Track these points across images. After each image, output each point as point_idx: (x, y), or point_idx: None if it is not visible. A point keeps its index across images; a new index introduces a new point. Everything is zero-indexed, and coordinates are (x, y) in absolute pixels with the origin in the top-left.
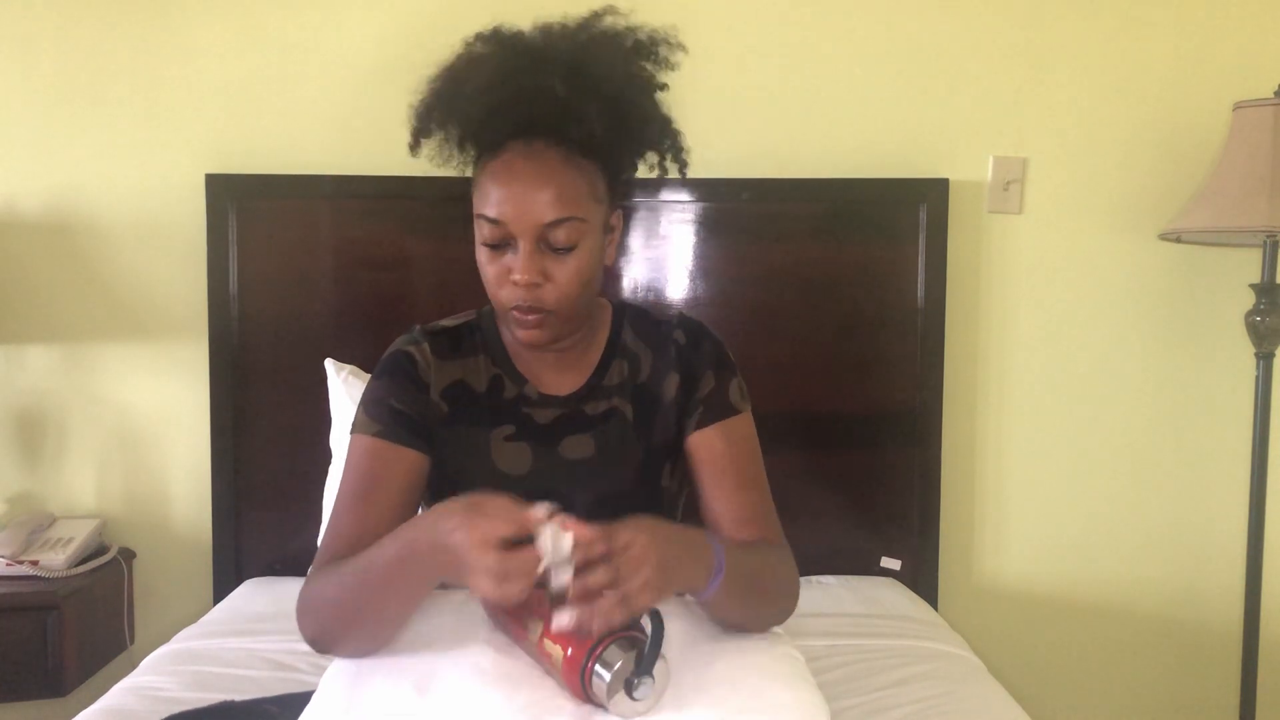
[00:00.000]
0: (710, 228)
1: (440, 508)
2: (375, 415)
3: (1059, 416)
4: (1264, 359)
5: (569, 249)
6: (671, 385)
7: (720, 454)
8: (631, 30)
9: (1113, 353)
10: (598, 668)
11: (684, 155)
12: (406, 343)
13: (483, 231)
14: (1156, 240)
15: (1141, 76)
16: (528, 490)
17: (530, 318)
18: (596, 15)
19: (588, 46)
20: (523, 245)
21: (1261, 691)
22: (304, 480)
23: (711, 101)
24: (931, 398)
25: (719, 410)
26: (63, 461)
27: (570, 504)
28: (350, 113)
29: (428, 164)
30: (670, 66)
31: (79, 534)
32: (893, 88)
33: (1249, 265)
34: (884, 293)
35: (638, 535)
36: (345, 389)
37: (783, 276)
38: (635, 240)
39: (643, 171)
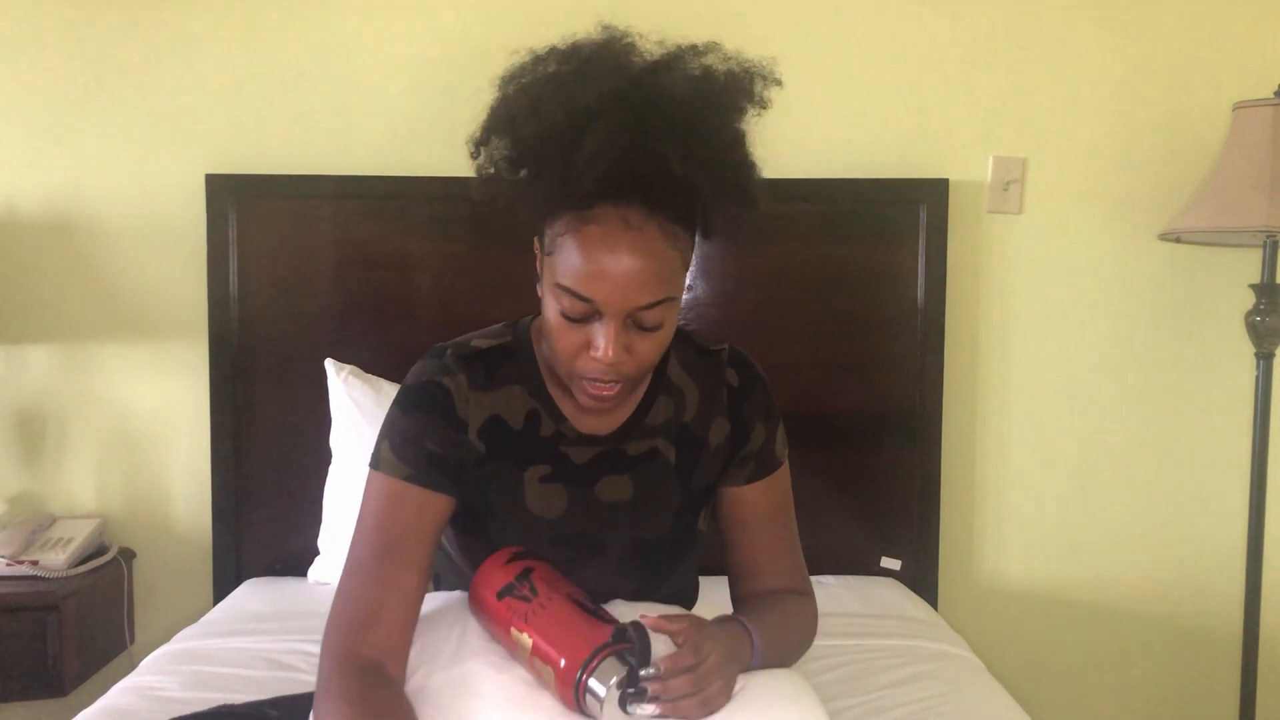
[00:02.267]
0: None
1: None
2: (405, 456)
3: (1059, 416)
4: (1264, 359)
5: (656, 328)
6: (719, 431)
7: (764, 509)
8: (736, 74)
9: (1113, 353)
10: (592, 682)
11: (755, 206)
12: (439, 372)
13: (563, 302)
14: (1156, 240)
15: (1141, 76)
16: (559, 533)
17: (605, 392)
18: (696, 51)
19: (698, 104)
20: (610, 324)
21: (1261, 692)
22: (304, 480)
23: None
24: (931, 398)
25: (767, 465)
26: (63, 461)
27: (603, 548)
28: (350, 113)
29: (428, 163)
30: (766, 105)
31: (79, 534)
32: (893, 88)
33: (1249, 265)
34: (884, 293)
35: (715, 646)
36: (345, 389)
37: (783, 276)
38: None
39: None
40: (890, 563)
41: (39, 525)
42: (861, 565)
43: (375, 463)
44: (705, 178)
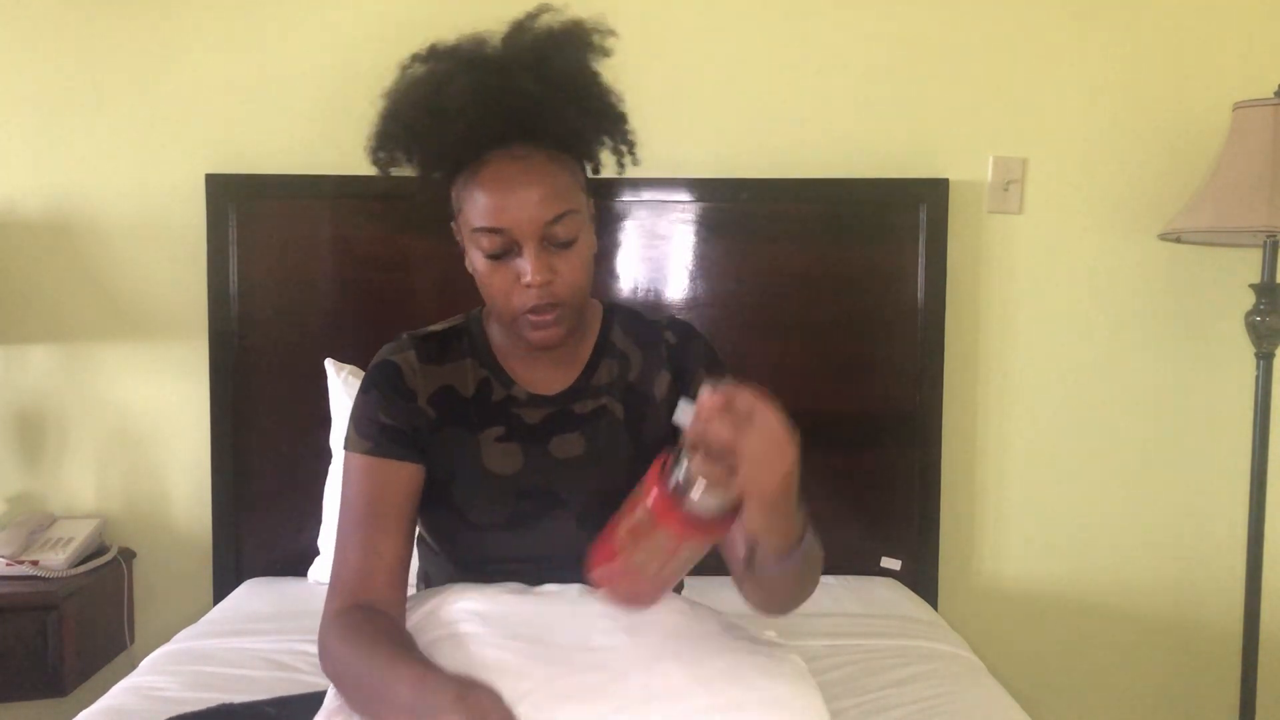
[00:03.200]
0: (710, 228)
1: (437, 689)
2: (365, 432)
3: (1059, 416)
4: (1264, 359)
5: (571, 242)
6: (663, 384)
7: None
8: (574, 23)
9: (1113, 353)
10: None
11: (635, 146)
12: (392, 351)
13: (482, 244)
14: (1156, 240)
15: (1141, 76)
16: (519, 488)
17: (547, 317)
18: (531, 16)
19: (546, 45)
20: (528, 248)
21: (1261, 691)
22: (304, 480)
23: (711, 101)
24: (931, 398)
25: None
26: (63, 461)
27: (562, 501)
28: (350, 113)
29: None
30: (607, 54)
31: (79, 534)
32: (893, 88)
33: (1249, 265)
34: (884, 293)
35: (768, 414)
36: (345, 389)
37: (783, 276)
38: (635, 240)
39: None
40: (890, 563)
41: (39, 525)
42: (861, 565)
43: (345, 444)
44: (568, 99)
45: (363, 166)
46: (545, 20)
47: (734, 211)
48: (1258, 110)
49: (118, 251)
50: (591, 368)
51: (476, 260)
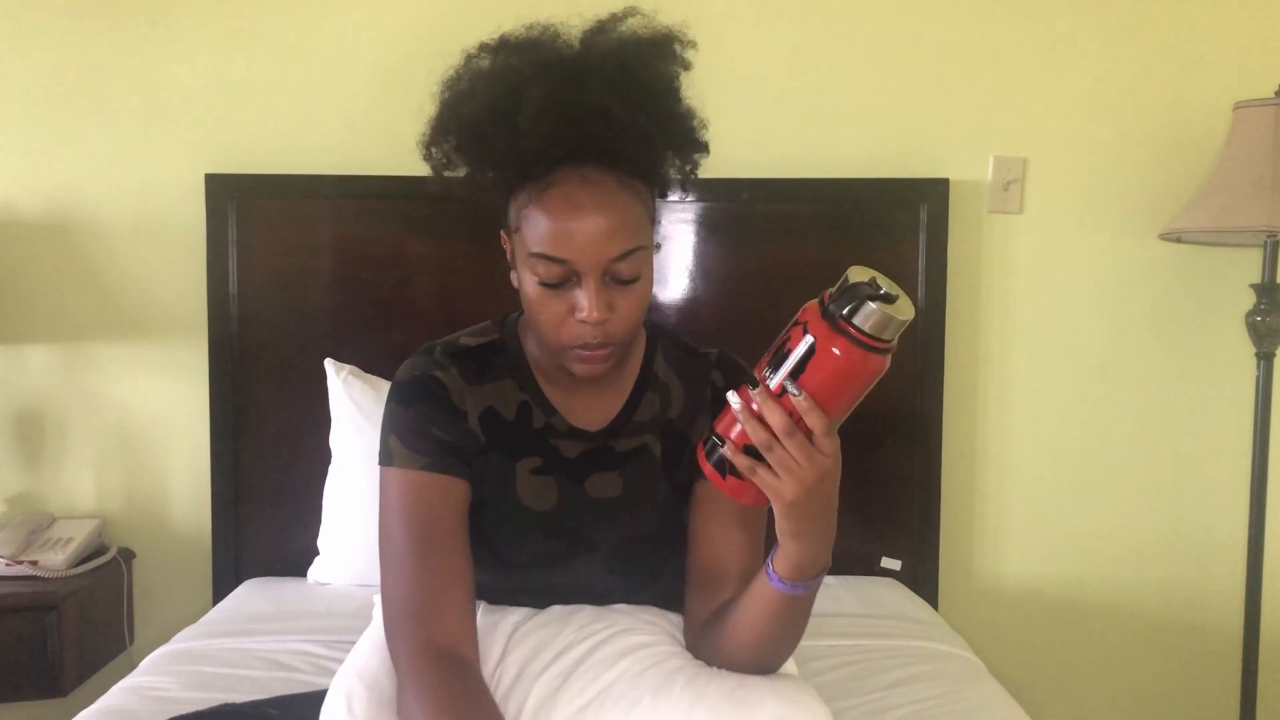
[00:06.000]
0: (710, 228)
1: None
2: (417, 446)
3: (1059, 416)
4: (1264, 359)
5: (634, 280)
6: (701, 428)
7: (737, 508)
8: (657, 33)
9: (1113, 353)
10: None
11: (697, 169)
12: (432, 366)
13: (539, 270)
14: (1156, 240)
15: (1141, 76)
16: (550, 526)
17: (597, 354)
18: (616, 18)
19: (629, 57)
20: (589, 282)
21: (1261, 691)
22: (304, 480)
23: (711, 101)
24: (931, 398)
25: None
26: (63, 461)
27: (593, 544)
28: (350, 113)
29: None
30: (687, 66)
31: (79, 534)
32: (893, 88)
33: (1249, 265)
34: None
35: (830, 456)
36: (345, 389)
37: (783, 276)
38: None
39: None
40: (890, 563)
41: (39, 525)
42: (861, 565)
43: (387, 459)
44: (650, 121)
45: (363, 166)
46: (630, 25)
47: (734, 211)
48: (1258, 110)
49: (118, 251)
50: (634, 402)
51: (528, 284)
